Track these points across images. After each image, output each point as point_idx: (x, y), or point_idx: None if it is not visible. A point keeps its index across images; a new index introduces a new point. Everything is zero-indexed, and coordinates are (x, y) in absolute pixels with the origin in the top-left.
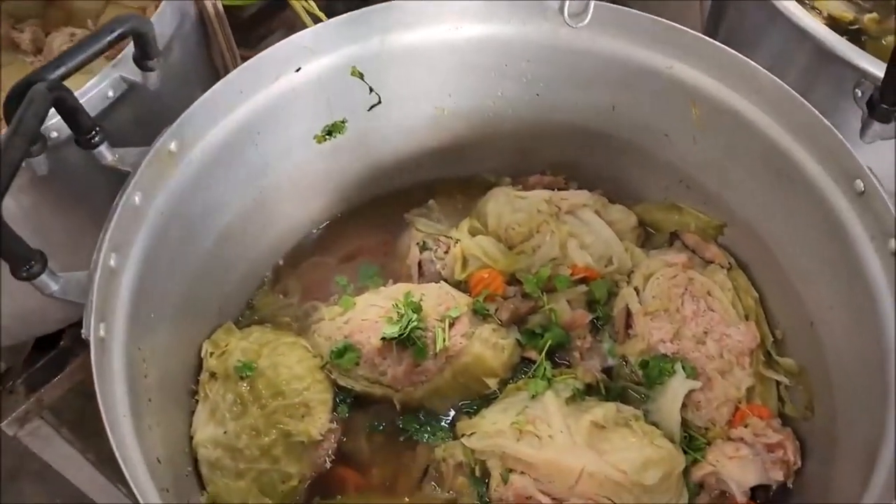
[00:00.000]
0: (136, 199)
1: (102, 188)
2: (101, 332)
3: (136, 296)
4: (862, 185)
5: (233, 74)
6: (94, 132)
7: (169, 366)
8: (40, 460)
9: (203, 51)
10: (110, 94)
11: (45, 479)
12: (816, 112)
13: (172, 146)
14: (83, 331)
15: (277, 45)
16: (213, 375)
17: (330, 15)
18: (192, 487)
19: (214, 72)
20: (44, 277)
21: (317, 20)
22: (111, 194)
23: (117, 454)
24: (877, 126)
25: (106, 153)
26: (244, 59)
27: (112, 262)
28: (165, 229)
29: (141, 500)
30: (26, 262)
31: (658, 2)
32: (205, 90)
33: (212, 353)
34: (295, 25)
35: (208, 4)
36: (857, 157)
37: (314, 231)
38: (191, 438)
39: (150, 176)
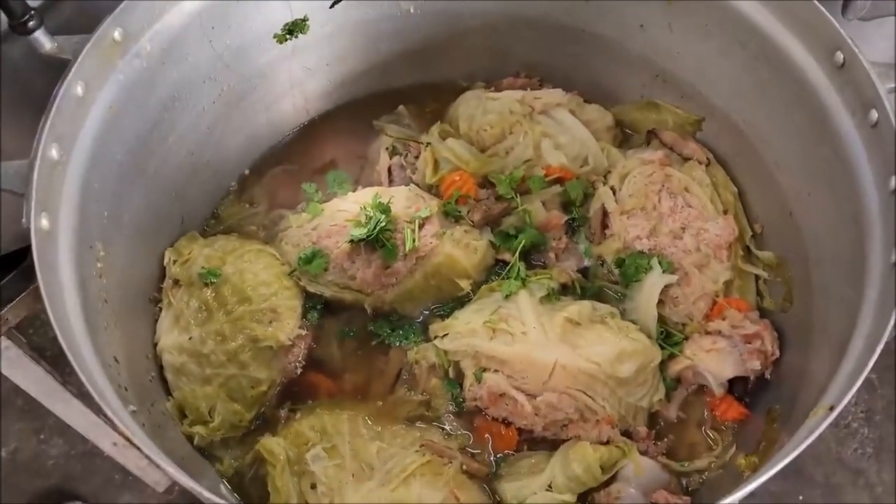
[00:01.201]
0: (79, 89)
1: (48, 81)
2: (44, 224)
3: (84, 190)
4: (842, 56)
5: None
6: (28, 16)
7: (129, 270)
8: (24, 395)
9: None
10: None
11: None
12: None
13: (116, 35)
14: (23, 220)
15: None
16: (176, 283)
17: None
18: (158, 393)
19: None
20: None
21: None
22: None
23: (63, 344)
24: (858, 2)
25: (44, 40)
26: None
27: (54, 153)
28: (116, 125)
29: (92, 391)
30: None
31: None
32: None
33: (175, 261)
34: None
35: None
36: (839, 28)
37: (281, 139)
38: (155, 345)
39: (93, 65)
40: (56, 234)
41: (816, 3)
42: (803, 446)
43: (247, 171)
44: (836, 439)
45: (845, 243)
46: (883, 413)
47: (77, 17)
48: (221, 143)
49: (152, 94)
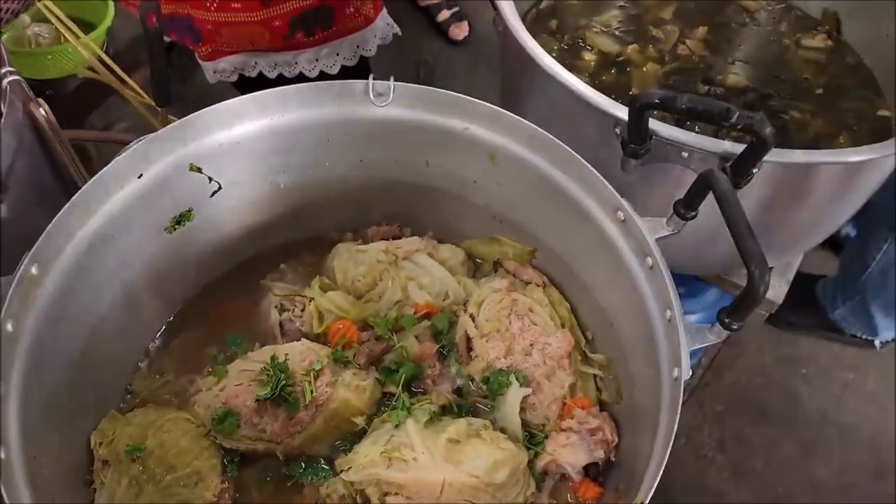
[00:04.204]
0: (9, 326)
1: None
2: (1, 454)
3: (21, 412)
4: (622, 214)
5: (79, 194)
6: None
7: (62, 462)
8: None
9: (44, 162)
10: None
11: None
12: (581, 159)
13: (34, 270)
14: None
15: (117, 159)
16: (105, 463)
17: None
18: None
19: (59, 179)
20: None
21: (150, 108)
22: None
23: None
24: (631, 161)
25: None
26: (79, 146)
27: None
28: (39, 348)
29: None
30: None
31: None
32: (53, 200)
33: (100, 443)
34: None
35: (39, 114)
36: (615, 192)
37: (177, 310)
38: None
39: (18, 302)
40: (9, 456)
41: (598, 174)
42: None
43: (151, 345)
44: (698, 469)
45: (647, 354)
46: (733, 440)
47: None
48: (128, 326)
49: (64, 310)
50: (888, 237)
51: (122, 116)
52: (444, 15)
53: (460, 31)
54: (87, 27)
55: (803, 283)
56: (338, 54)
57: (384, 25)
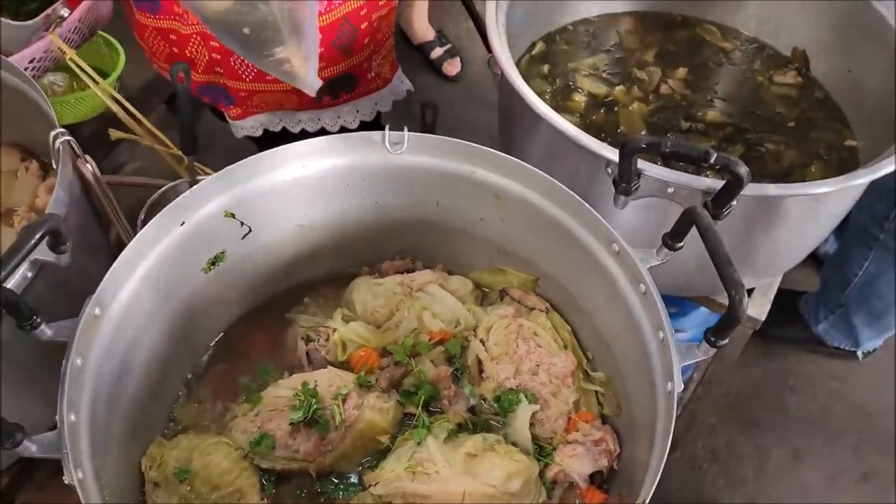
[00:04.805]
0: (78, 361)
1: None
2: (80, 475)
3: (92, 439)
4: (616, 246)
5: (133, 242)
6: (34, 317)
7: (120, 487)
8: None
9: (90, 212)
10: (28, 275)
11: None
12: (577, 197)
13: (96, 311)
14: (65, 478)
15: (165, 209)
16: (156, 485)
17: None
18: None
19: (101, 224)
20: (25, 443)
21: (176, 157)
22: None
23: None
24: (622, 197)
25: (46, 330)
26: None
27: (73, 418)
28: (99, 381)
29: None
30: (11, 436)
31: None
32: (98, 245)
33: (150, 467)
34: None
35: (86, 170)
36: (609, 226)
37: (212, 343)
38: None
39: (84, 340)
40: (85, 482)
41: (592, 210)
42: None
43: (189, 375)
44: (694, 479)
45: (643, 371)
46: (725, 450)
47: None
48: (170, 358)
49: (120, 343)
50: (868, 255)
51: (131, 158)
52: (438, 52)
53: (453, 67)
54: (101, 75)
55: (787, 300)
56: (357, 111)
57: (399, 84)
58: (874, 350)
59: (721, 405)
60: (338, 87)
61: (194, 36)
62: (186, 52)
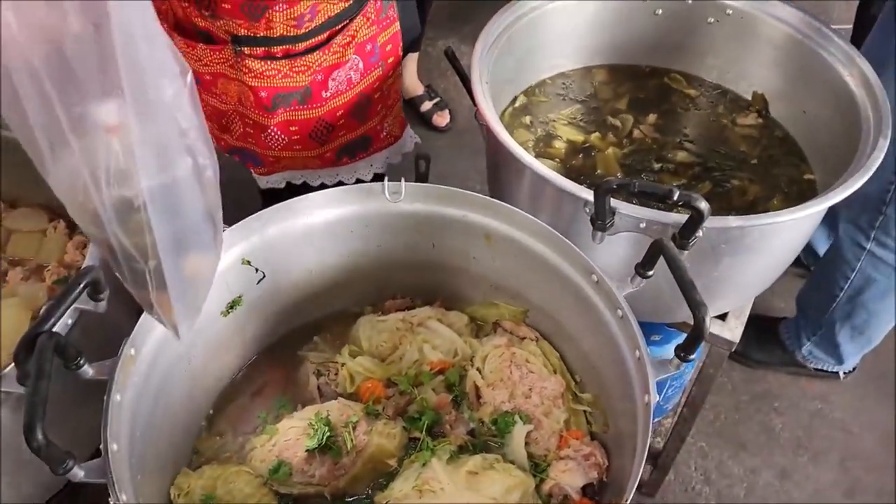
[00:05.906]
0: (118, 397)
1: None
2: (124, 498)
3: (131, 467)
4: (595, 277)
5: None
6: (79, 358)
7: None
8: None
9: None
10: (69, 322)
11: None
12: (559, 234)
13: (132, 352)
14: (111, 500)
15: None
16: None
17: None
18: None
19: None
20: (75, 469)
21: None
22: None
23: None
24: (599, 233)
25: (88, 370)
26: None
27: (115, 447)
28: (134, 415)
29: None
30: (63, 462)
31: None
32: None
33: (178, 495)
34: None
35: None
36: (588, 259)
37: (229, 380)
38: None
39: (122, 378)
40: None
41: (573, 245)
42: None
43: (211, 410)
44: (687, 501)
45: (624, 389)
46: (716, 472)
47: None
48: (193, 396)
49: (152, 383)
50: (855, 266)
51: None
52: (427, 105)
53: (442, 119)
54: None
55: (767, 325)
56: (371, 165)
57: (409, 139)
58: (854, 370)
59: (711, 429)
60: (354, 149)
61: (231, 112)
62: (223, 121)
